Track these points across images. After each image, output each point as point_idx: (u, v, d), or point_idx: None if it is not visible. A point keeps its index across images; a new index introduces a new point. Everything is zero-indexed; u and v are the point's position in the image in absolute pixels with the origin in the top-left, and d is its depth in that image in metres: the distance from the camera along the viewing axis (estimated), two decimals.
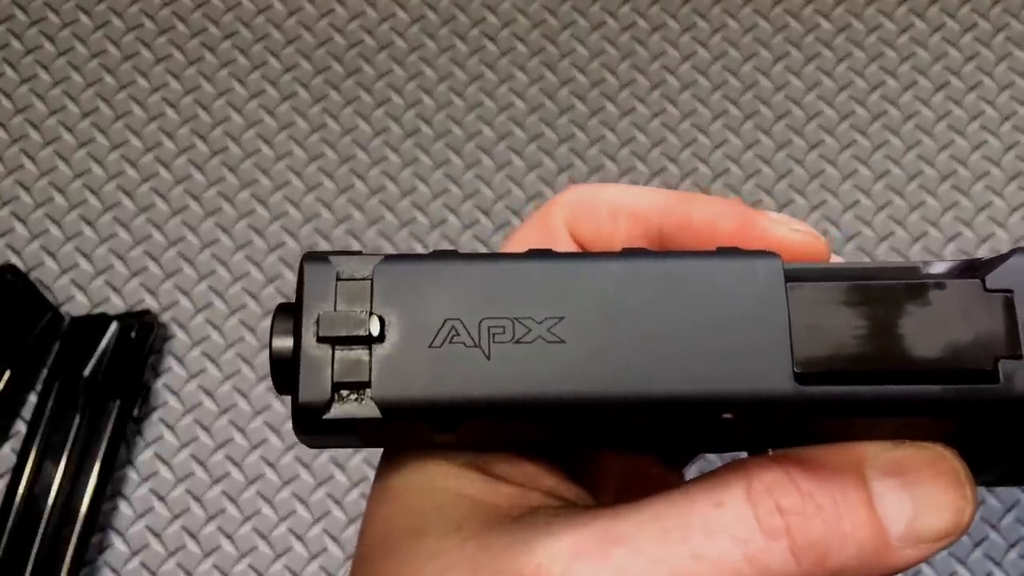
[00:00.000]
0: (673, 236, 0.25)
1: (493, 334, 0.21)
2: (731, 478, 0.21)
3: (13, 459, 0.48)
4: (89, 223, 0.52)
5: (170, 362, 0.50)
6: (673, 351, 0.21)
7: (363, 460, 0.49)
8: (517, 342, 0.21)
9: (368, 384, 0.21)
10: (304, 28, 0.56)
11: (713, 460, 0.47)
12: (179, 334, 0.51)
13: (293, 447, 0.49)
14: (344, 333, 0.21)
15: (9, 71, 0.55)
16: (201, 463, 0.49)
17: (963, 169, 0.54)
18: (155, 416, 0.49)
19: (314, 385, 0.21)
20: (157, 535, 0.48)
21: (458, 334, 0.21)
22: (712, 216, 0.24)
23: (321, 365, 0.21)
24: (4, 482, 0.47)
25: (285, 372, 0.21)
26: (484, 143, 0.54)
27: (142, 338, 0.49)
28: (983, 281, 0.21)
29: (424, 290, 0.21)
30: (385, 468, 0.24)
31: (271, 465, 0.49)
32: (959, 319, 0.21)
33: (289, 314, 0.22)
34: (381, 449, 0.24)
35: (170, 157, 0.54)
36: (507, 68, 0.56)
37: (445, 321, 0.21)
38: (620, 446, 0.26)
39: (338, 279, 0.21)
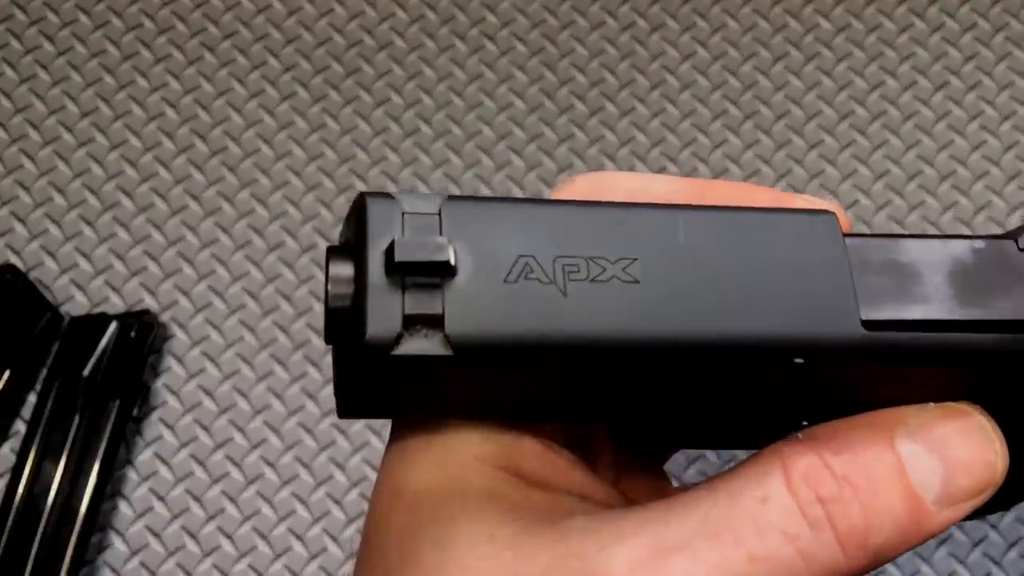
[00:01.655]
0: None
1: (568, 272, 0.20)
2: (767, 469, 0.21)
3: (12, 459, 0.48)
4: (89, 223, 0.52)
5: (170, 362, 0.50)
6: (746, 296, 0.21)
7: (363, 460, 0.49)
8: (592, 281, 0.20)
9: (442, 319, 0.19)
10: (304, 28, 0.56)
11: (714, 460, 0.47)
12: (179, 334, 0.51)
13: (293, 447, 0.49)
14: (420, 258, 0.19)
15: (8, 71, 0.55)
16: (201, 463, 0.49)
17: (963, 169, 0.54)
18: (155, 416, 0.49)
19: (383, 318, 0.19)
20: (157, 535, 0.48)
21: (532, 271, 0.20)
22: (742, 197, 0.24)
23: (391, 298, 0.19)
24: (4, 482, 0.47)
25: (345, 315, 0.19)
26: (484, 143, 0.54)
27: (142, 338, 0.49)
28: (1016, 241, 0.22)
29: (495, 227, 0.20)
30: (396, 461, 0.22)
31: (271, 465, 0.49)
32: (1002, 274, 0.22)
33: (346, 254, 0.20)
34: (382, 448, 0.24)
35: (170, 157, 0.54)
36: (507, 68, 0.56)
37: (519, 257, 0.20)
38: (638, 418, 0.25)
39: (404, 214, 0.20)
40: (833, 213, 0.22)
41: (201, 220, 0.53)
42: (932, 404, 0.23)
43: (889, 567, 0.47)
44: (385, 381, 0.20)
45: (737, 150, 0.54)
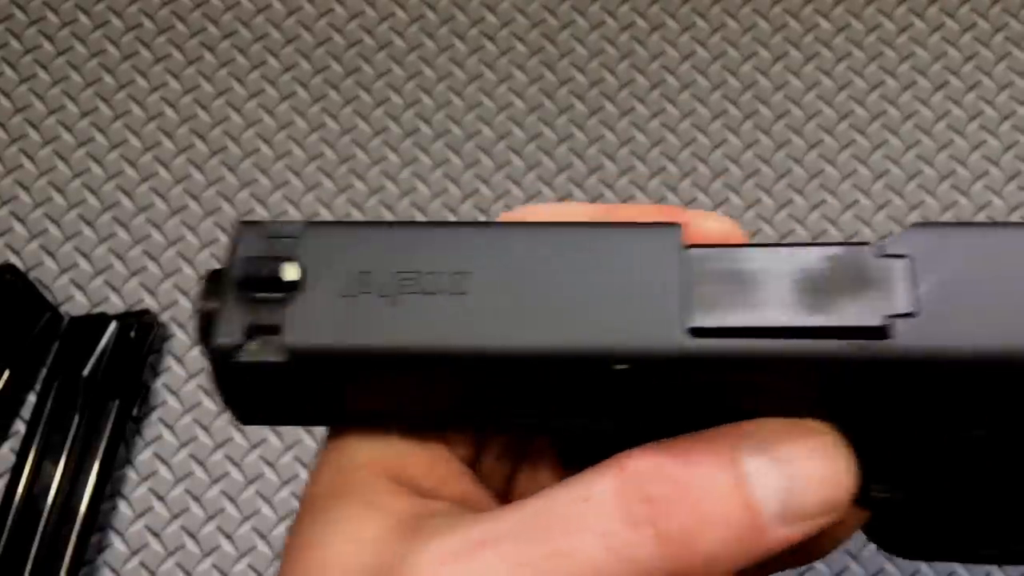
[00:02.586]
0: None
1: (403, 286, 0.22)
2: (602, 471, 0.21)
3: (12, 459, 0.48)
4: (88, 223, 0.52)
5: (169, 362, 0.50)
6: (570, 308, 0.21)
7: None
8: (424, 293, 0.21)
9: (280, 329, 0.21)
10: (303, 28, 0.56)
11: None
12: (178, 334, 0.51)
13: (292, 447, 0.49)
14: (264, 275, 0.22)
15: (8, 71, 0.55)
16: (200, 463, 0.49)
17: (962, 169, 0.54)
18: (154, 416, 0.49)
19: (229, 329, 0.21)
20: (156, 535, 0.48)
21: (370, 285, 0.22)
22: (639, 218, 0.24)
23: (239, 312, 0.21)
24: (3, 482, 0.47)
25: (206, 324, 0.22)
26: (483, 143, 0.54)
27: (141, 338, 0.49)
28: (878, 247, 0.22)
29: (346, 247, 0.22)
30: (315, 478, 0.24)
31: (270, 465, 0.49)
32: (853, 281, 0.21)
33: (218, 272, 0.22)
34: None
35: (169, 157, 0.54)
36: (506, 68, 0.56)
37: (359, 273, 0.22)
38: (528, 424, 0.26)
39: (268, 237, 0.22)
40: (677, 225, 0.22)
41: (201, 220, 0.53)
42: (783, 419, 0.22)
43: (887, 565, 0.47)
44: (237, 386, 0.22)
45: (737, 150, 0.54)
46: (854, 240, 0.23)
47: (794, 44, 0.56)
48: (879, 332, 0.21)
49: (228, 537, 0.48)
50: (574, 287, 0.22)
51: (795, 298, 0.21)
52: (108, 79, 0.55)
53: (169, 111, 0.55)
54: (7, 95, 0.55)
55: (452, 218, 0.53)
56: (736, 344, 0.21)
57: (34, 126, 0.54)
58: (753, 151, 0.54)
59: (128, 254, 0.52)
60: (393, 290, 0.22)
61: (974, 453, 0.24)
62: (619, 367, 0.21)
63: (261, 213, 0.53)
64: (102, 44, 0.56)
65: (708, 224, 0.24)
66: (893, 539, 0.29)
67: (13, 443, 0.49)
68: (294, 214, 0.53)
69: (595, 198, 0.53)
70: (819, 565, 0.47)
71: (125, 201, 0.53)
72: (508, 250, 0.22)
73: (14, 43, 0.56)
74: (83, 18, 0.56)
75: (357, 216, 0.53)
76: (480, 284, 0.22)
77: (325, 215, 0.53)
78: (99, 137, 0.54)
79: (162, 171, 0.53)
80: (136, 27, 0.56)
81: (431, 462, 0.24)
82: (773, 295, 0.21)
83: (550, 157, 0.54)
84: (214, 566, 0.47)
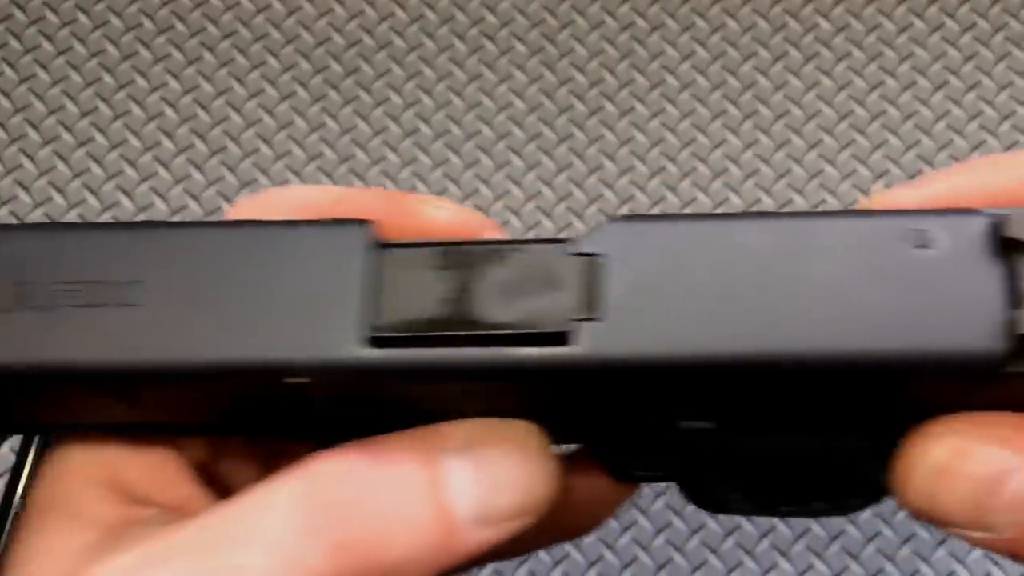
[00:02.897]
0: None
1: (64, 298, 0.20)
2: (287, 474, 0.20)
3: (12, 459, 0.48)
4: None
5: None
6: (244, 318, 0.20)
7: None
8: (89, 306, 0.20)
9: None
10: (303, 28, 0.56)
11: None
12: None
13: None
14: None
15: (8, 70, 0.55)
16: None
17: None
18: None
19: None
20: None
21: (29, 298, 0.20)
22: (364, 207, 0.23)
23: None
24: (3, 482, 0.47)
25: None
26: (483, 143, 0.54)
27: None
28: (571, 245, 0.21)
29: (16, 255, 0.21)
30: (31, 492, 0.23)
31: None
32: (541, 282, 0.21)
33: None
34: None
35: (169, 156, 0.54)
36: (506, 68, 0.56)
37: (16, 284, 0.20)
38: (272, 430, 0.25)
39: None
40: (366, 223, 0.21)
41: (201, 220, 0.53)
42: (485, 420, 0.22)
43: (886, 566, 0.47)
44: None
45: (736, 150, 0.54)
46: (556, 237, 0.22)
47: (794, 44, 0.56)
48: (562, 338, 0.20)
49: None
50: (251, 294, 0.20)
51: (481, 301, 0.20)
52: (108, 79, 0.55)
53: (169, 111, 0.55)
54: (7, 95, 0.55)
55: None
56: (418, 353, 0.20)
57: (34, 126, 0.54)
58: (753, 151, 0.54)
59: None
60: (54, 303, 0.20)
61: (710, 439, 0.24)
62: (294, 380, 0.20)
63: None
64: (102, 44, 0.56)
65: (433, 214, 0.23)
66: (701, 500, 0.28)
67: (13, 443, 0.49)
68: None
69: (595, 198, 0.53)
70: (819, 565, 0.47)
71: (125, 201, 0.53)
72: (184, 255, 0.20)
73: (14, 43, 0.56)
74: (83, 18, 0.56)
75: None
76: (152, 294, 0.20)
77: None
78: (99, 137, 0.54)
79: (162, 171, 0.53)
80: (136, 27, 0.56)
81: (151, 466, 0.23)
82: (461, 299, 0.20)
83: (550, 157, 0.54)
84: None
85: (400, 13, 0.57)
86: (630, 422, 0.24)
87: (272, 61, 0.56)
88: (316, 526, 0.19)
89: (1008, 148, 0.54)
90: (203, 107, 0.55)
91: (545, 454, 0.22)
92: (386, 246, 0.21)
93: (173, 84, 0.55)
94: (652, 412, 0.23)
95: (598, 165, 0.54)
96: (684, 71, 0.56)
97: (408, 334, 0.20)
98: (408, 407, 0.22)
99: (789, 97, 0.55)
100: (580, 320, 0.20)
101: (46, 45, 0.56)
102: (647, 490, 0.48)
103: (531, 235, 0.54)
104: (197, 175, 0.53)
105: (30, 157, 0.54)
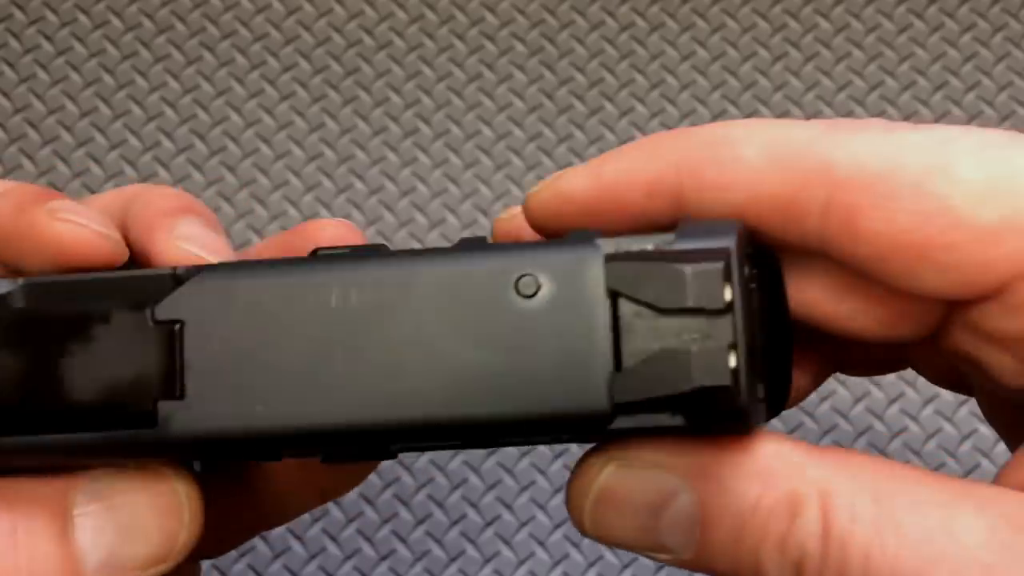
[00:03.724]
0: None
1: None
2: None
3: None
4: None
5: None
6: None
7: None
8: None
9: None
10: (303, 28, 0.56)
11: None
12: None
13: None
14: None
15: (7, 70, 0.55)
16: None
17: None
18: None
19: None
20: None
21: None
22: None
23: None
24: None
25: None
26: (483, 143, 0.54)
27: None
28: (152, 311, 0.20)
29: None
30: None
31: None
32: (126, 356, 0.20)
33: None
34: None
35: (168, 156, 0.54)
36: (506, 68, 0.56)
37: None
38: None
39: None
40: None
41: None
42: (129, 467, 0.21)
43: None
44: None
45: None
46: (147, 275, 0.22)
47: (794, 44, 0.56)
48: (149, 419, 0.20)
49: None
50: None
51: (65, 379, 0.20)
52: (108, 79, 0.55)
53: (168, 111, 0.55)
54: (6, 95, 0.55)
55: (451, 218, 0.53)
56: (7, 441, 0.20)
57: (33, 126, 0.54)
58: None
59: None
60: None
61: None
62: None
63: (261, 213, 0.53)
64: (101, 44, 0.56)
65: (76, 233, 0.23)
66: None
67: None
68: (293, 214, 0.53)
69: None
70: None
71: None
72: None
73: (13, 43, 0.56)
74: (82, 18, 0.56)
75: (357, 217, 0.53)
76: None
77: (324, 215, 0.53)
78: (98, 137, 0.54)
79: (162, 171, 0.53)
80: (135, 27, 0.56)
81: None
82: (44, 376, 0.20)
83: (549, 157, 0.54)
84: (214, 566, 0.47)
85: (400, 13, 0.57)
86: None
87: (272, 61, 0.56)
88: None
89: None
90: (203, 107, 0.55)
91: (185, 498, 0.22)
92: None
93: (173, 84, 0.55)
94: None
95: None
96: (684, 71, 0.56)
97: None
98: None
99: (789, 97, 0.55)
100: (164, 399, 0.20)
101: (46, 45, 0.56)
102: None
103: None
104: (197, 175, 0.53)
105: (30, 157, 0.54)
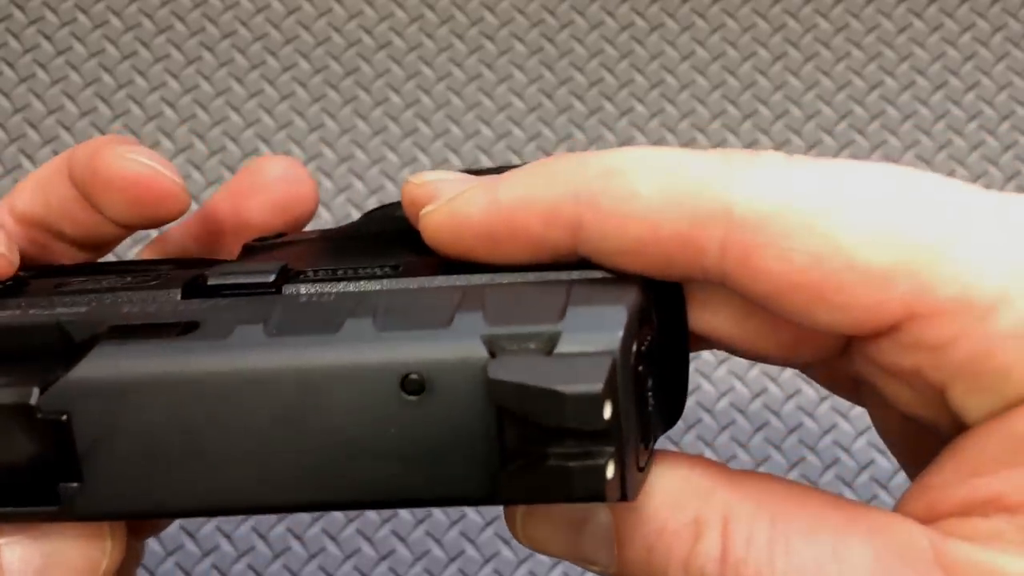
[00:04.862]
0: None
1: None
2: None
3: None
4: None
5: None
6: None
7: None
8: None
9: None
10: (302, 27, 0.56)
11: None
12: None
13: None
14: None
15: (7, 70, 0.55)
16: None
17: (961, 169, 0.54)
18: None
19: None
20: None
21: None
22: None
23: None
24: None
25: None
26: (483, 142, 0.54)
27: None
28: (36, 408, 0.21)
29: None
30: None
31: None
32: (21, 443, 0.21)
33: None
34: None
35: (168, 156, 0.54)
36: (505, 67, 0.56)
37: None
38: None
39: None
40: None
41: None
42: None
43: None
44: None
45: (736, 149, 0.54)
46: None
47: (793, 44, 0.56)
48: (52, 497, 0.21)
49: (227, 537, 0.48)
50: None
51: None
52: (107, 79, 0.55)
53: (168, 111, 0.55)
54: (6, 95, 0.55)
55: None
56: None
57: (33, 126, 0.54)
58: (753, 151, 0.54)
59: (127, 254, 0.52)
60: None
61: None
62: None
63: None
64: (101, 44, 0.56)
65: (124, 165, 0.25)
66: None
67: None
68: None
69: None
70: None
71: None
72: None
73: (13, 43, 0.56)
74: (82, 18, 0.56)
75: (357, 216, 0.53)
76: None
77: (324, 214, 0.53)
78: (98, 136, 0.54)
79: None
80: (135, 27, 0.56)
81: None
82: None
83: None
84: (213, 566, 0.47)
85: (399, 13, 0.57)
86: None
87: (271, 61, 0.56)
88: None
89: (1007, 148, 0.54)
90: (202, 107, 0.55)
91: (110, 535, 0.23)
92: None
93: (172, 84, 0.55)
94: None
95: None
96: (683, 71, 0.56)
97: None
98: None
99: (788, 97, 0.55)
100: (62, 483, 0.21)
101: (45, 45, 0.56)
102: None
103: None
104: (196, 175, 0.53)
105: (29, 157, 0.54)
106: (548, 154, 0.54)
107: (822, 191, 0.21)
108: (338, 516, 0.48)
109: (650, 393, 0.22)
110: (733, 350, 0.25)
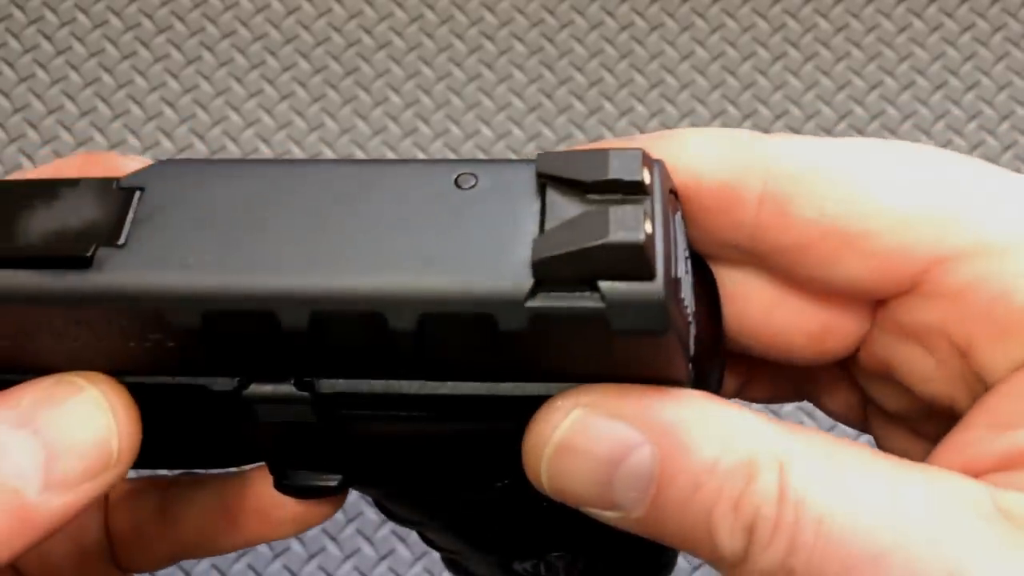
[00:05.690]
0: None
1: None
2: None
3: None
4: None
5: None
6: None
7: None
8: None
9: None
10: (302, 27, 0.56)
11: None
12: None
13: None
14: None
15: (7, 70, 0.55)
16: None
17: None
18: None
19: None
20: None
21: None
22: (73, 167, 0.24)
23: None
24: None
25: None
26: (483, 142, 0.54)
27: None
28: (119, 180, 0.21)
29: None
30: None
31: None
32: (78, 212, 0.21)
33: None
34: None
35: (168, 156, 0.54)
36: (505, 67, 0.56)
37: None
38: None
39: None
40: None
41: None
42: (53, 377, 0.21)
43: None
44: None
45: None
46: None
47: (793, 44, 0.56)
48: (83, 262, 0.20)
49: None
50: None
51: (17, 231, 0.21)
52: (107, 79, 0.55)
53: (168, 111, 0.55)
54: (6, 95, 0.55)
55: None
56: None
57: (32, 126, 0.54)
58: None
59: None
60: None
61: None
62: None
63: None
64: (101, 44, 0.56)
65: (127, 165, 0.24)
66: (390, 515, 0.29)
67: None
68: None
69: None
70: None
71: None
72: None
73: (13, 43, 0.56)
74: (82, 18, 0.56)
75: None
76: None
77: None
78: (98, 136, 0.54)
79: None
80: (135, 27, 0.56)
81: None
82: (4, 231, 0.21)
83: None
84: (213, 566, 0.47)
85: (399, 13, 0.57)
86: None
87: (271, 61, 0.56)
88: None
89: (1007, 148, 0.54)
90: (202, 107, 0.55)
91: (118, 406, 0.22)
92: None
93: (172, 84, 0.55)
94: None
95: None
96: (683, 71, 0.56)
97: None
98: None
99: (788, 97, 0.55)
100: (104, 246, 0.20)
101: (45, 45, 0.56)
102: None
103: None
104: None
105: (29, 157, 0.54)
106: None
107: (852, 151, 0.23)
108: (338, 516, 0.48)
109: (688, 273, 0.23)
110: (759, 347, 0.26)
